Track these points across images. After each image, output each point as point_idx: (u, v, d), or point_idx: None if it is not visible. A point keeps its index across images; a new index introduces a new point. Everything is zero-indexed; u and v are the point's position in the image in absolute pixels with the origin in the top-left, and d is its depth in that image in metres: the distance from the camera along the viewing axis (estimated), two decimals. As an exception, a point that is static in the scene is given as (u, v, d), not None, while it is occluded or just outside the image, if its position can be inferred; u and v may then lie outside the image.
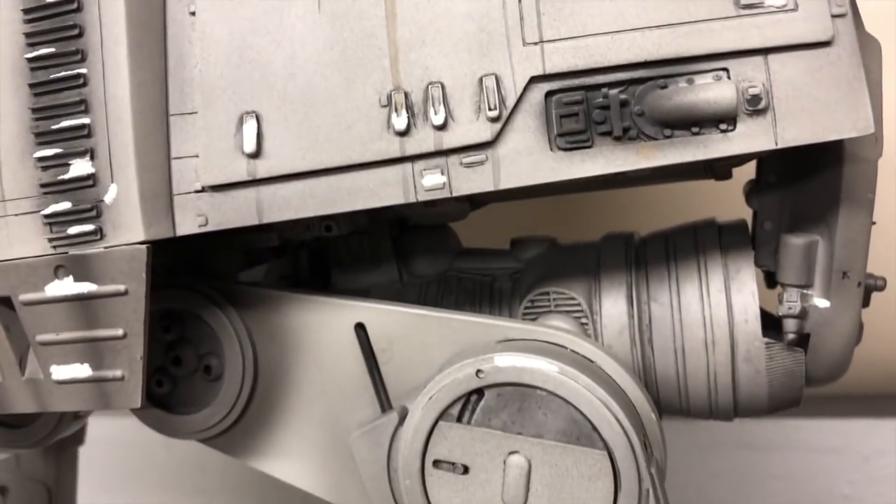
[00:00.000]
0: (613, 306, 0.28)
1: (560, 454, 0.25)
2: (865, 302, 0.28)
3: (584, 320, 0.28)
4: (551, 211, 0.37)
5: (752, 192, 0.29)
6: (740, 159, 0.28)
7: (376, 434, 0.27)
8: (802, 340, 0.27)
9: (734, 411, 0.29)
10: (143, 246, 0.24)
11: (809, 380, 0.28)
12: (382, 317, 0.28)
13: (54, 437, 0.32)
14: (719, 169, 0.30)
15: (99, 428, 0.85)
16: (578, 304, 0.28)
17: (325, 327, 0.28)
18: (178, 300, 0.29)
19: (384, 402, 0.28)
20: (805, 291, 0.26)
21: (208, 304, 0.29)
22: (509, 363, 0.25)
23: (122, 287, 0.24)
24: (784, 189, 0.28)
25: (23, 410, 0.28)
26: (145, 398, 0.26)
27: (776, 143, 0.22)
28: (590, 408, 0.24)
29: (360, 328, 0.28)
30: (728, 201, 0.33)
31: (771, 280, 0.29)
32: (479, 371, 0.25)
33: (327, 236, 0.29)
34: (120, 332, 0.25)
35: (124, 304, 0.25)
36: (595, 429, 0.25)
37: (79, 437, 0.47)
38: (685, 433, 0.56)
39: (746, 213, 0.32)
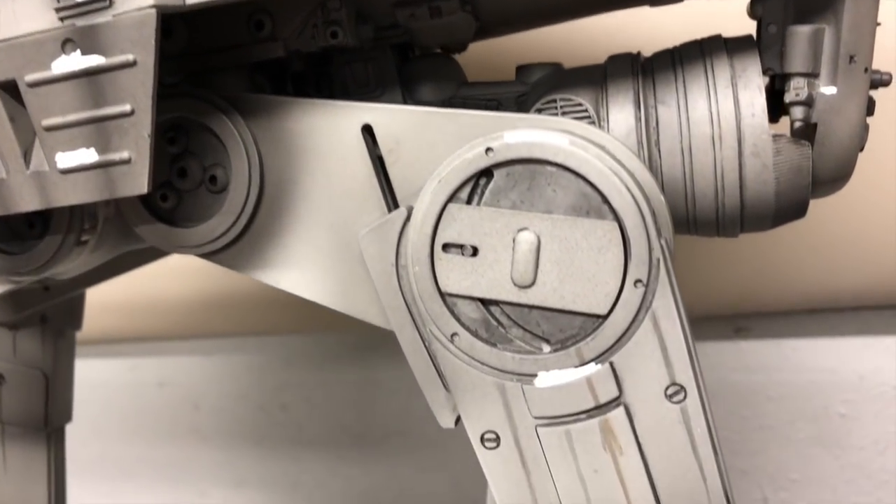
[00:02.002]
0: (620, 110, 0.28)
1: (570, 227, 0.25)
2: (870, 110, 0.28)
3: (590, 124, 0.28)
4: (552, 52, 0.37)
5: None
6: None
7: (385, 230, 0.27)
8: (809, 133, 0.27)
9: (741, 218, 0.28)
10: (152, 10, 0.24)
11: (815, 180, 0.28)
12: (389, 117, 0.27)
13: (53, 268, 0.31)
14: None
15: (92, 371, 0.84)
16: (585, 110, 0.28)
17: (331, 130, 0.28)
18: (183, 108, 0.29)
19: (391, 204, 0.28)
20: (812, 80, 0.26)
21: (214, 111, 0.29)
22: (519, 138, 0.25)
23: (130, 57, 0.24)
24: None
25: (27, 208, 0.27)
26: (151, 182, 0.25)
27: None
28: (600, 178, 0.24)
29: (367, 130, 0.28)
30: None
31: (775, 104, 0.29)
32: (488, 149, 0.25)
33: (333, 46, 0.29)
34: (128, 107, 0.25)
35: (133, 76, 0.24)
36: (605, 200, 0.25)
37: (76, 321, 0.46)
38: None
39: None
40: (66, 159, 0.26)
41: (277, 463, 0.79)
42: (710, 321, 0.66)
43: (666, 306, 0.24)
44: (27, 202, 0.27)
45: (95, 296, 0.74)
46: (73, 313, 0.46)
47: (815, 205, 0.56)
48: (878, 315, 0.63)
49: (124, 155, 0.25)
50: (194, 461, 0.81)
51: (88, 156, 0.26)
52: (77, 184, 0.26)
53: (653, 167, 0.28)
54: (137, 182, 0.26)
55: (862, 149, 0.28)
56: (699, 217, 0.29)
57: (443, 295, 0.26)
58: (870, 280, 0.58)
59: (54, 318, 0.45)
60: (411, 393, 0.74)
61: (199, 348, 0.80)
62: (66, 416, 0.47)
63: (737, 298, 0.61)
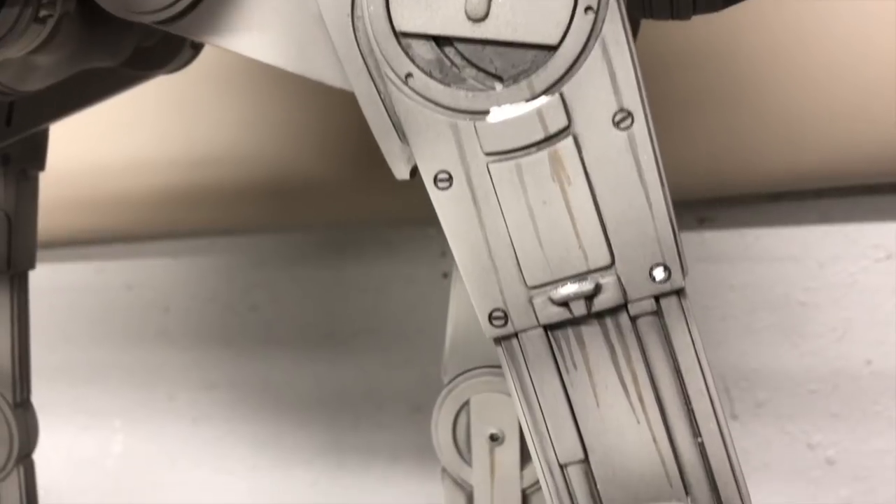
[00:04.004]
0: None
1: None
2: None
3: None
4: None
5: None
6: None
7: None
8: None
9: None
10: None
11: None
12: None
13: (11, 45, 0.31)
14: None
15: (59, 275, 0.84)
16: None
17: None
18: None
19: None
20: None
21: None
22: None
23: None
24: None
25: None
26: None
27: None
28: None
29: None
30: None
31: None
32: None
33: None
34: None
35: None
36: (557, -72, 0.25)
37: (39, 161, 0.46)
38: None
39: None
40: None
41: (247, 364, 0.79)
42: (674, 211, 0.67)
43: (615, 32, 0.25)
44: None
45: (59, 193, 0.74)
46: (36, 152, 0.46)
47: (776, 83, 0.57)
48: (839, 203, 0.65)
49: None
50: (163, 364, 0.81)
51: None
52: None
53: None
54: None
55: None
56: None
57: (397, 35, 0.26)
58: (833, 160, 0.59)
59: (17, 159, 0.45)
60: (380, 291, 0.75)
61: (167, 249, 0.80)
62: (30, 261, 0.47)
63: (699, 183, 0.62)
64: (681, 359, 0.26)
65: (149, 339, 0.81)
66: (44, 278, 0.84)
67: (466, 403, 0.41)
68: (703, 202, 0.66)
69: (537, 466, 0.27)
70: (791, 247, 0.66)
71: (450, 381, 0.41)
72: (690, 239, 0.68)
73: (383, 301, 0.75)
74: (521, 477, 0.41)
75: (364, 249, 0.75)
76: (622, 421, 0.26)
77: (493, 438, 0.41)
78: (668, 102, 0.60)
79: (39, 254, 0.84)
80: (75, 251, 0.82)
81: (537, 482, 0.41)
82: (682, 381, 0.26)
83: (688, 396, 0.26)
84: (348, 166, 0.69)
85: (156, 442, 0.82)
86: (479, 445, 0.41)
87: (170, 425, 0.82)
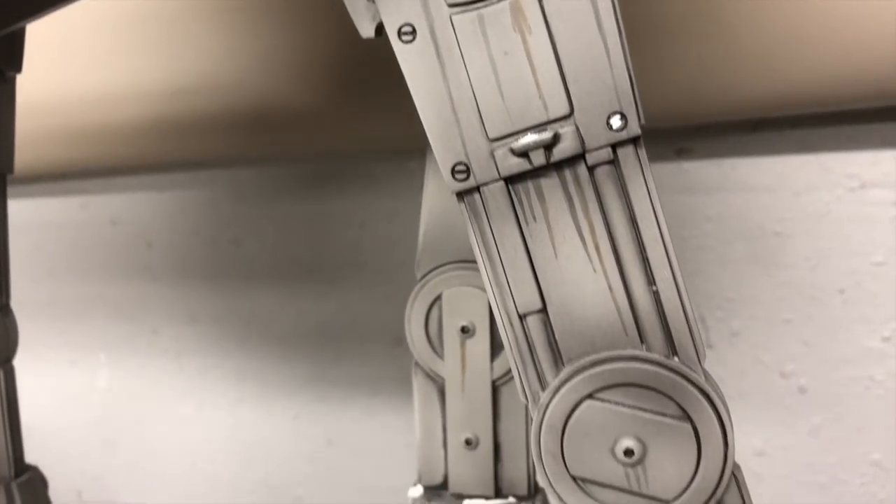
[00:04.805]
0: None
1: None
2: None
3: None
4: None
5: None
6: None
7: None
8: None
9: None
10: None
11: None
12: None
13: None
14: None
15: (43, 210, 0.84)
16: None
17: None
18: None
19: None
20: None
21: None
22: None
23: None
24: None
25: None
26: None
27: None
28: None
29: None
30: None
31: None
32: None
33: None
34: None
35: None
36: None
37: (16, 63, 0.46)
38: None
39: None
40: None
41: (230, 298, 0.79)
42: (653, 142, 0.68)
43: None
44: None
45: (40, 123, 0.74)
46: (12, 53, 0.46)
47: (754, 8, 0.57)
48: (816, 132, 0.65)
49: None
50: (147, 299, 0.82)
51: None
52: None
53: None
54: None
55: None
56: None
57: None
58: (810, 85, 0.59)
59: (-7, 60, 0.45)
60: (363, 224, 0.76)
61: (151, 184, 0.80)
62: (8, 164, 0.48)
63: (677, 109, 0.63)
64: (636, 208, 0.27)
65: (132, 274, 0.82)
66: (28, 214, 0.85)
67: (438, 298, 0.42)
68: (680, 132, 0.67)
69: (498, 319, 0.28)
70: (767, 177, 0.67)
71: (422, 277, 0.42)
72: (668, 170, 0.68)
73: (366, 235, 0.75)
74: (492, 368, 0.42)
75: (346, 183, 0.76)
76: (579, 271, 0.27)
77: (464, 331, 0.41)
78: (645, 29, 0.60)
79: (23, 189, 0.85)
80: (60, 186, 0.83)
81: (507, 373, 0.42)
82: (638, 229, 0.27)
83: (643, 244, 0.27)
84: (330, 97, 0.69)
85: (140, 376, 0.83)
86: (451, 338, 0.42)
87: (154, 360, 0.82)
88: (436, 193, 0.41)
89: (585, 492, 0.28)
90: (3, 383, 0.49)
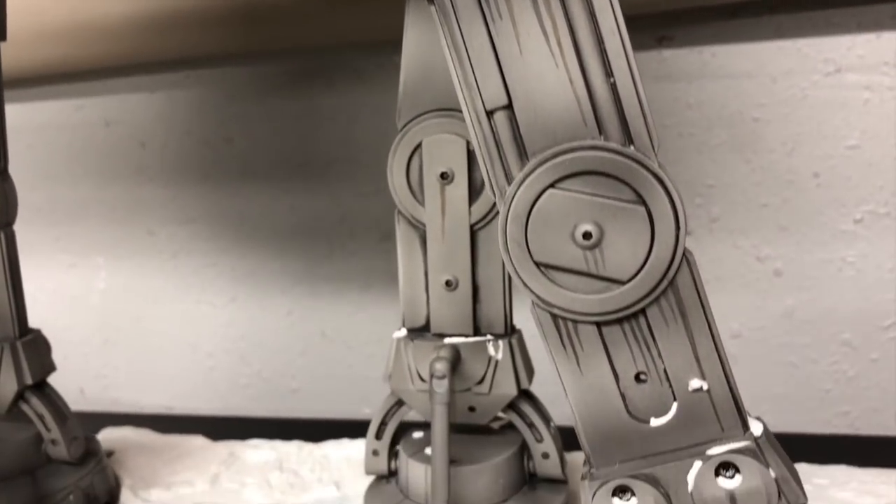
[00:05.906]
0: None
1: None
2: None
3: None
4: None
5: None
6: None
7: None
8: None
9: None
10: None
11: None
12: None
13: None
14: None
15: (38, 113, 0.85)
16: None
17: None
18: None
19: None
20: None
21: None
22: None
23: None
24: None
25: None
26: None
27: None
28: None
29: None
30: None
31: None
32: None
33: None
34: None
35: None
36: None
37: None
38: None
39: None
40: None
41: (224, 197, 0.81)
42: (634, 31, 0.69)
43: None
44: None
45: (32, 20, 0.74)
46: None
47: None
48: (793, 18, 0.67)
49: None
50: (142, 200, 0.84)
51: None
52: None
53: None
54: None
55: None
56: None
57: None
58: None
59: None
60: (352, 120, 0.77)
61: (143, 84, 0.81)
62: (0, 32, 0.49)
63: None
64: (595, 1, 0.28)
65: (127, 176, 0.83)
66: (23, 116, 0.86)
67: (419, 146, 0.44)
68: (661, 18, 0.68)
69: (467, 118, 0.30)
70: (746, 63, 0.68)
71: (403, 126, 0.44)
72: (650, 58, 0.70)
73: (355, 130, 0.77)
74: (470, 213, 0.44)
75: (334, 79, 0.77)
76: (542, 66, 0.29)
77: (444, 177, 0.43)
78: None
79: (17, 93, 0.86)
80: (53, 89, 0.84)
81: (484, 217, 0.44)
82: (596, 20, 0.28)
83: (601, 36, 0.28)
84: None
85: (138, 276, 0.85)
86: (431, 184, 0.44)
87: (151, 260, 0.85)
88: (415, 43, 0.43)
89: (548, 277, 0.30)
90: (4, 246, 0.51)
